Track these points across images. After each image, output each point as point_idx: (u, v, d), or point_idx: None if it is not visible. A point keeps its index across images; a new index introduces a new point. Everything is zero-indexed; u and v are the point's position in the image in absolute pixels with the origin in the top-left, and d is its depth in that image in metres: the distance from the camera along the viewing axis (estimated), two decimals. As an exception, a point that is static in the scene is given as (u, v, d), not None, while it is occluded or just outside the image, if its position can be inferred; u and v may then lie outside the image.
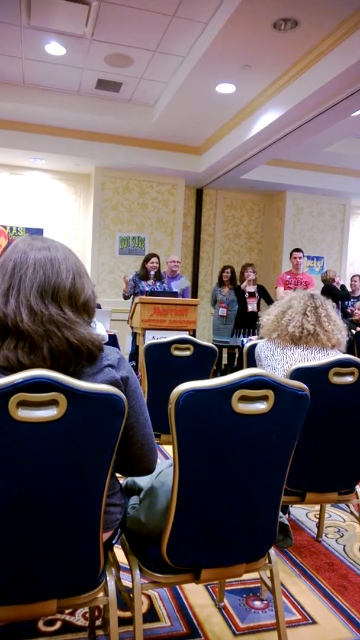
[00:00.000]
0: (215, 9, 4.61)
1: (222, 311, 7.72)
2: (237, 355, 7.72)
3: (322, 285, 7.69)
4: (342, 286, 7.63)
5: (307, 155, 7.96)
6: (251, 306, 7.35)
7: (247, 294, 7.37)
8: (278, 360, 2.41)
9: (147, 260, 6.81)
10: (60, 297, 1.32)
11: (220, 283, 7.94)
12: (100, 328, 3.61)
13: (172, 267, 7.26)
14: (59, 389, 1.19)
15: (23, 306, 1.27)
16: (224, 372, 7.64)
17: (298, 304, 2.46)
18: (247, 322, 7.35)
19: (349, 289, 7.99)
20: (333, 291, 7.13)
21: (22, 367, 1.22)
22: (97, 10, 4.68)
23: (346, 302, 7.81)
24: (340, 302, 7.40)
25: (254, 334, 7.07)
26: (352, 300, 7.97)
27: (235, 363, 7.84)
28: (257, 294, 7.42)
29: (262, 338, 2.66)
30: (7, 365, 1.25)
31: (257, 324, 2.75)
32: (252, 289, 7.41)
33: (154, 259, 6.77)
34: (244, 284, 7.43)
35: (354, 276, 8.37)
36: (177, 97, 6.11)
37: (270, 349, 2.47)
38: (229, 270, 7.87)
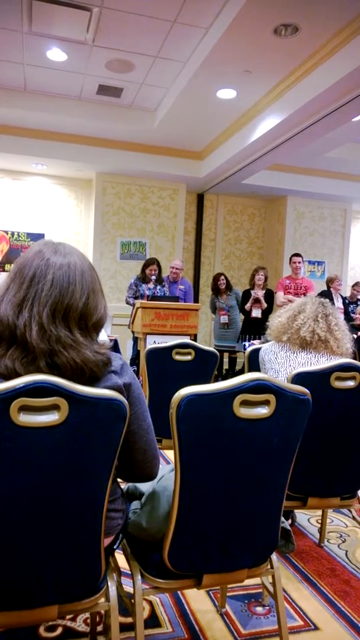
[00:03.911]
0: (216, 14, 4.63)
1: (224, 318, 7.68)
2: (238, 360, 7.71)
3: (322, 289, 7.72)
4: (344, 297, 7.65)
5: (308, 160, 7.98)
6: (255, 312, 7.31)
7: (252, 299, 7.33)
8: (281, 364, 2.41)
9: (146, 265, 6.81)
10: (71, 317, 1.32)
11: (217, 292, 7.90)
12: (101, 333, 3.61)
13: (172, 273, 7.24)
14: (61, 394, 1.19)
15: (34, 321, 1.27)
16: (225, 377, 7.62)
17: (310, 309, 2.46)
18: (251, 328, 7.33)
19: (347, 294, 8.01)
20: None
21: (18, 377, 1.22)
22: (98, 16, 4.70)
23: (350, 307, 7.83)
24: (344, 307, 7.44)
25: (256, 339, 7.05)
26: (353, 305, 8.00)
27: (237, 368, 7.84)
28: (263, 302, 7.34)
29: (266, 341, 2.66)
30: (6, 374, 1.25)
31: (265, 326, 2.75)
32: (260, 293, 7.37)
33: (153, 267, 6.74)
34: (254, 290, 7.41)
35: (354, 285, 8.43)
36: (178, 102, 6.13)
37: (274, 352, 2.47)
38: (223, 277, 7.81)
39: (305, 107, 5.31)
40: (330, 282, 7.57)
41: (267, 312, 7.32)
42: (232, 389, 1.40)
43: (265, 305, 7.31)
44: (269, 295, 7.43)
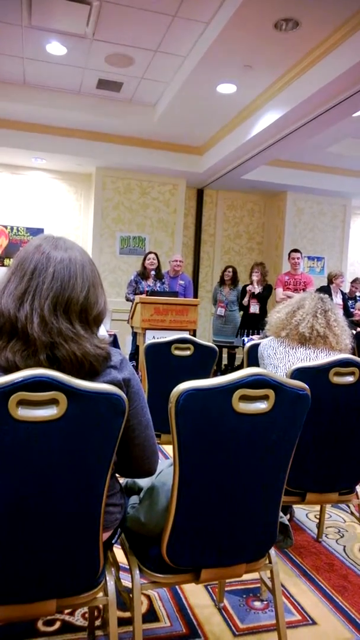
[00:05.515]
0: (216, 8, 4.60)
1: (221, 311, 7.70)
2: (237, 356, 7.71)
3: (321, 285, 7.70)
4: (343, 293, 7.64)
5: (308, 156, 7.96)
6: (253, 308, 7.31)
7: (249, 294, 7.33)
8: (280, 359, 2.41)
9: (145, 258, 6.83)
10: (72, 310, 1.32)
11: (222, 282, 7.93)
12: (101, 329, 3.61)
13: (174, 267, 7.27)
14: (59, 388, 1.19)
15: (36, 314, 1.27)
16: (224, 373, 7.62)
17: (309, 305, 2.46)
18: (249, 324, 7.33)
19: (347, 290, 8.01)
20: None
21: (18, 370, 1.22)
22: (98, 9, 4.68)
23: (350, 302, 7.83)
24: (343, 303, 7.44)
25: (255, 334, 7.05)
26: (351, 301, 8.00)
27: (236, 363, 7.83)
28: (258, 297, 7.35)
29: (265, 337, 2.66)
30: (6, 366, 1.25)
31: (263, 322, 2.75)
32: (256, 289, 7.36)
33: (152, 256, 6.80)
34: (250, 286, 7.40)
35: (353, 281, 8.43)
36: (178, 97, 6.11)
37: (273, 348, 2.47)
38: (230, 270, 7.84)
39: (305, 102, 5.30)
40: (334, 277, 7.55)
41: (263, 307, 7.33)
42: (231, 383, 1.39)
43: (258, 289, 7.28)
44: (268, 291, 7.43)
